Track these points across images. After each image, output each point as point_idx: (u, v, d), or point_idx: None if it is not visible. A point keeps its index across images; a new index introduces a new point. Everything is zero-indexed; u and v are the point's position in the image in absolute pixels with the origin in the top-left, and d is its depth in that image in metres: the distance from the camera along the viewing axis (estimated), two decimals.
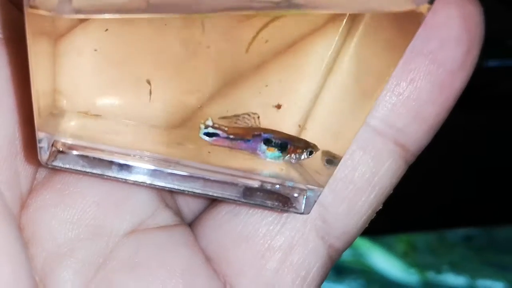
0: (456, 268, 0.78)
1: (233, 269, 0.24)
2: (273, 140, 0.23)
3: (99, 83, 0.23)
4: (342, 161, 0.23)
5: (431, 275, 0.78)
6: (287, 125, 0.24)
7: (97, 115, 0.23)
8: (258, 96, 0.23)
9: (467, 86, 0.23)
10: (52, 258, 0.23)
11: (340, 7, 0.22)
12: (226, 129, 0.23)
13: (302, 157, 0.23)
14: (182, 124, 0.23)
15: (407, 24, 0.21)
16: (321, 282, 0.25)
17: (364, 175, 0.24)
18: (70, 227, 0.23)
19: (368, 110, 0.22)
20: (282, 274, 0.24)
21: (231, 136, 0.23)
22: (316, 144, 0.23)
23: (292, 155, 0.23)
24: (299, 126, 0.24)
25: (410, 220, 0.70)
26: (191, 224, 0.26)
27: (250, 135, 0.23)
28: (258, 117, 0.23)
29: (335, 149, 0.23)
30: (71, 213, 0.23)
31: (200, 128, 0.23)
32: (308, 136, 0.24)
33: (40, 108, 0.21)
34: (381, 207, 0.24)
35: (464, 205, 0.71)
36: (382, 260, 0.79)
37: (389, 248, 0.79)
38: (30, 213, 0.23)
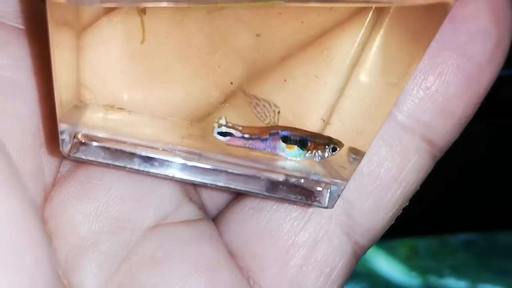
0: (457, 273, 0.78)
1: (257, 264, 0.24)
2: (292, 138, 0.23)
3: (125, 76, 0.22)
4: (368, 157, 0.23)
5: (432, 279, 0.78)
6: (311, 120, 0.24)
7: (122, 109, 0.23)
8: (282, 90, 0.23)
9: None
10: (75, 251, 0.23)
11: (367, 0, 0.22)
12: (240, 128, 0.22)
13: (326, 154, 0.23)
14: (205, 118, 0.23)
15: (433, 15, 0.20)
16: (346, 279, 0.24)
17: (390, 171, 0.23)
18: (93, 220, 0.23)
19: (393, 104, 0.22)
20: (307, 270, 0.24)
21: (246, 136, 0.22)
22: (340, 140, 0.23)
23: (314, 152, 0.23)
24: (323, 120, 0.24)
25: (412, 225, 0.70)
26: (215, 219, 0.25)
27: (266, 134, 0.23)
28: (279, 112, 0.23)
29: (359, 144, 0.23)
30: (95, 206, 0.23)
31: (213, 127, 0.22)
32: (332, 131, 0.23)
33: (62, 101, 0.21)
34: (407, 204, 0.24)
35: (465, 210, 0.70)
36: (385, 264, 0.79)
37: (392, 252, 0.79)
38: (54, 205, 0.23)
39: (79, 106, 0.23)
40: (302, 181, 0.23)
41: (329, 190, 0.23)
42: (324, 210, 0.24)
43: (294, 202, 0.24)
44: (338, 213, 0.24)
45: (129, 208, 0.24)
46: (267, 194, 0.23)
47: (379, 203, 0.24)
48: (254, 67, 0.23)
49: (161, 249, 0.24)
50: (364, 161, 0.23)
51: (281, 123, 0.23)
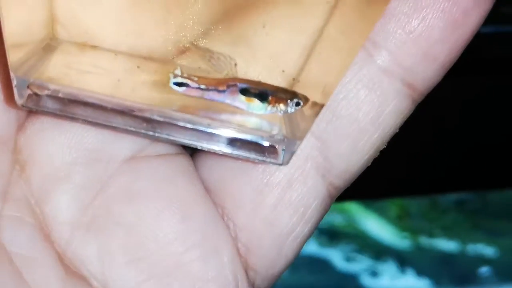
0: (448, 233, 0.78)
1: (231, 202, 0.24)
2: (251, 90, 0.22)
3: (98, 10, 0.22)
4: (346, 99, 0.23)
5: (423, 240, 0.79)
6: (291, 66, 0.23)
7: (95, 47, 0.22)
8: (260, 35, 0.22)
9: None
10: (49, 181, 0.23)
11: None
12: (196, 79, 0.22)
13: (289, 109, 0.22)
14: (179, 59, 0.23)
15: None
16: (320, 219, 0.24)
17: (369, 114, 0.23)
18: (67, 151, 0.23)
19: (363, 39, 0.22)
20: (280, 210, 0.24)
21: (202, 86, 0.22)
22: (306, 94, 0.23)
23: (276, 106, 0.22)
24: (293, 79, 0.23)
25: (402, 185, 0.70)
26: (192, 154, 0.25)
27: (224, 85, 0.22)
28: (235, 65, 0.22)
29: (319, 97, 0.22)
30: (69, 137, 0.23)
31: (169, 77, 0.22)
32: (300, 85, 0.23)
33: (18, 42, 0.21)
34: (385, 146, 0.24)
35: (457, 170, 0.71)
36: (375, 225, 0.80)
37: (382, 213, 0.80)
38: (28, 135, 0.23)
39: (51, 45, 0.22)
40: (255, 137, 0.23)
41: (284, 147, 0.23)
42: (299, 151, 0.24)
43: (247, 159, 0.23)
44: (314, 154, 0.24)
45: (104, 140, 0.23)
46: (223, 151, 0.23)
47: (356, 145, 0.24)
48: (230, 6, 0.22)
49: (136, 183, 0.24)
50: (343, 103, 0.23)
51: (262, 70, 0.23)
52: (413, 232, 0.79)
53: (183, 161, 0.25)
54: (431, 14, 0.22)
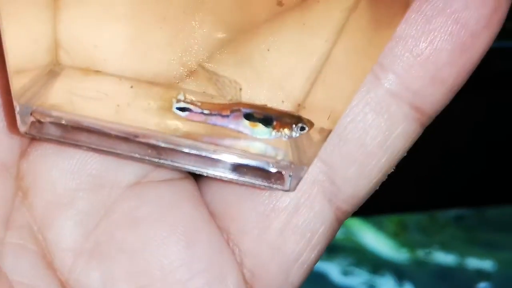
0: (446, 247, 0.78)
1: (237, 227, 0.24)
2: (255, 115, 0.22)
3: (103, 37, 0.22)
4: (354, 123, 0.23)
5: (421, 254, 0.79)
6: (295, 90, 0.23)
7: (99, 72, 0.22)
8: (265, 58, 0.22)
9: None
10: (52, 208, 0.23)
11: None
12: (199, 104, 0.22)
13: (294, 134, 0.22)
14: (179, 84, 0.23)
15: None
16: (327, 244, 0.24)
17: (376, 138, 0.23)
18: (71, 176, 0.23)
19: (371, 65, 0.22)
20: (287, 235, 0.24)
21: (206, 111, 0.22)
22: (311, 120, 0.22)
23: (281, 131, 0.22)
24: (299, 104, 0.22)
25: (401, 201, 0.70)
26: (197, 178, 0.25)
27: (228, 110, 0.22)
28: (240, 89, 0.22)
29: (326, 122, 0.22)
30: (72, 163, 0.23)
31: (172, 103, 0.22)
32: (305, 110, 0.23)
33: (21, 68, 0.20)
34: (393, 170, 0.24)
35: (456, 186, 0.71)
36: (373, 239, 0.79)
37: (380, 227, 0.80)
38: (30, 161, 0.23)
39: (55, 71, 0.22)
40: (261, 163, 0.23)
41: (291, 173, 0.23)
42: (306, 175, 0.23)
43: (254, 185, 0.23)
44: (321, 179, 0.24)
45: (107, 166, 0.23)
46: (229, 177, 0.23)
47: (363, 170, 0.23)
48: (235, 30, 0.22)
49: (140, 209, 0.23)
50: (350, 126, 0.23)
51: (267, 94, 0.22)
52: (411, 246, 0.79)
53: (188, 185, 0.24)
54: (439, 37, 0.22)
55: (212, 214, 0.24)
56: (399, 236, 0.80)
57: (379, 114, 0.23)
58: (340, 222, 0.24)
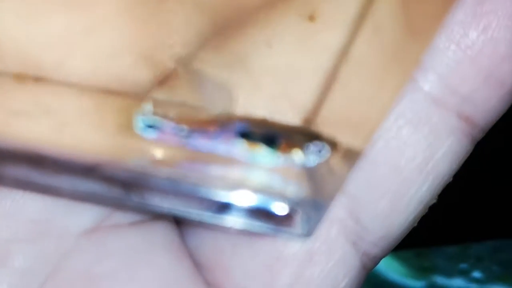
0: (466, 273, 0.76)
1: (231, 283, 0.20)
2: (254, 132, 0.17)
3: (40, 29, 0.18)
4: (384, 140, 0.19)
5: (437, 279, 0.77)
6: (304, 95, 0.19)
7: (39, 79, 0.18)
8: (264, 56, 0.18)
9: None
10: None
11: None
12: (173, 117, 0.17)
13: (309, 157, 0.18)
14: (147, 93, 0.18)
15: None
16: None
17: (415, 160, 0.20)
18: (4, 223, 0.19)
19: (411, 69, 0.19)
20: None
21: (184, 129, 0.17)
22: (332, 134, 0.18)
23: (291, 153, 0.18)
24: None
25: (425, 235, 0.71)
26: (177, 218, 0.22)
27: (215, 126, 0.17)
28: (232, 98, 0.18)
29: (355, 138, 0.19)
30: (4, 205, 0.19)
31: (134, 118, 0.17)
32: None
33: None
34: (435, 201, 0.21)
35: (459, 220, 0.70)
36: (387, 263, 0.77)
37: (395, 253, 0.80)
38: None
39: None
40: (264, 200, 0.18)
41: (305, 214, 0.19)
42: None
43: (254, 231, 0.19)
44: (341, 216, 0.20)
45: (54, 207, 0.20)
46: (219, 222, 0.18)
47: (397, 203, 0.20)
48: (223, 18, 0.19)
49: (100, 264, 0.20)
50: (379, 145, 0.20)
51: (268, 103, 0.18)
52: (427, 271, 0.77)
53: (164, 229, 0.21)
54: (495, 23, 0.19)
55: (198, 266, 0.21)
56: (414, 259, 0.78)
57: (417, 127, 0.20)
58: (367, 271, 0.21)
